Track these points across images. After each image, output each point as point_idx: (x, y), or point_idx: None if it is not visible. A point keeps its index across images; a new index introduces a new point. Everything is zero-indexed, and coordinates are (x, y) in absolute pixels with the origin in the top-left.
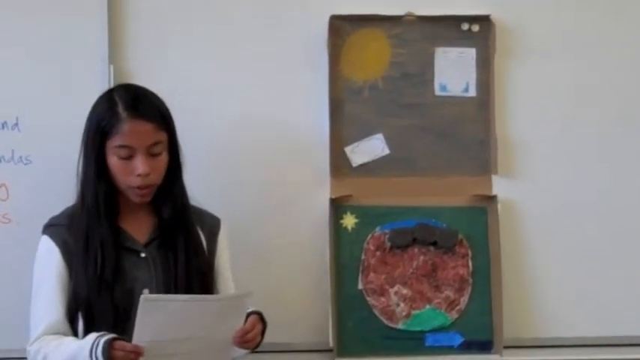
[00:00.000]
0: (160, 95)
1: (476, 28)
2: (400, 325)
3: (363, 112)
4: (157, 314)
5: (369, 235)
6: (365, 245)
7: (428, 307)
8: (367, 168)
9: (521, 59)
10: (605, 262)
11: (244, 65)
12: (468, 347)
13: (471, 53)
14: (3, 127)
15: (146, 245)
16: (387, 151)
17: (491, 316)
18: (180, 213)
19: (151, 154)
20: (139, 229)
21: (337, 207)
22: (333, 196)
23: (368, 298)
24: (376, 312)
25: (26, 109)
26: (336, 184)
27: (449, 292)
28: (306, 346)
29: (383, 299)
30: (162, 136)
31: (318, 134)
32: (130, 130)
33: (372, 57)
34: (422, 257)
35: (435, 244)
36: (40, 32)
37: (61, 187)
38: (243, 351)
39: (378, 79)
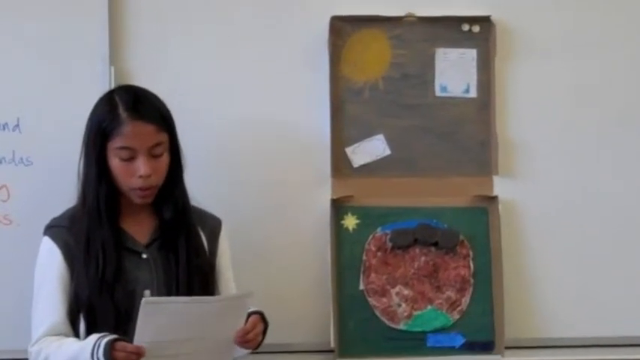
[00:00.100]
0: (161, 96)
1: (476, 28)
2: (401, 326)
3: (363, 113)
4: (158, 316)
5: (370, 236)
6: (366, 246)
7: (429, 307)
8: (368, 168)
9: (521, 60)
10: (606, 263)
11: (245, 66)
12: (469, 348)
13: (471, 54)
14: (4, 129)
15: (147, 246)
16: (387, 152)
17: (492, 317)
18: (181, 214)
19: (152, 156)
20: (140, 230)
21: (338, 207)
22: (334, 197)
23: (369, 299)
24: (377, 313)
25: (27, 111)
26: (337, 184)
27: (450, 293)
28: (308, 346)
29: (384, 300)
30: (164, 137)
31: (318, 135)
32: (131, 132)
33: (373, 58)
34: (423, 258)
35: (436, 244)
36: (41, 33)
37: (61, 188)
38: (245, 351)
39: (378, 80)
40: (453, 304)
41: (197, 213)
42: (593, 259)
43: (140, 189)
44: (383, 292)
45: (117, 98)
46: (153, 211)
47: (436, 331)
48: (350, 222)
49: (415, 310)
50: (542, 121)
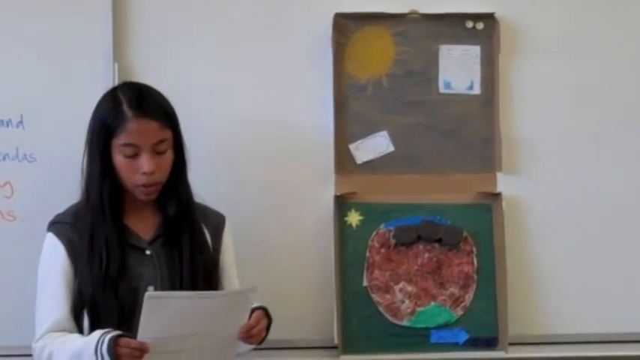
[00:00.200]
0: (165, 93)
1: (480, 25)
2: (405, 322)
3: (367, 110)
4: (162, 311)
5: (374, 232)
6: (369, 242)
7: (433, 304)
8: (372, 165)
9: (525, 57)
10: (610, 259)
11: (249, 63)
12: (473, 344)
13: (475, 51)
14: (7, 125)
15: (151, 243)
16: (391, 149)
17: (496, 313)
18: (184, 210)
19: (157, 152)
20: (143, 226)
21: (342, 204)
22: (338, 194)
23: (373, 295)
24: (381, 309)
25: (30, 107)
26: (341, 181)
27: (454, 289)
28: (311, 342)
29: (388, 296)
30: (167, 134)
31: (322, 132)
32: (135, 129)
33: (377, 55)
34: (427, 254)
35: (439, 241)
36: (45, 30)
37: (65, 184)
38: (249, 346)
39: (382, 77)
40: (456, 301)
41: (201, 209)
42: (597, 255)
43: (144, 186)
44: (386, 289)
45: (121, 95)
46: (156, 208)
47: (440, 327)
48: (353, 218)
49: (419, 306)
50: (545, 118)
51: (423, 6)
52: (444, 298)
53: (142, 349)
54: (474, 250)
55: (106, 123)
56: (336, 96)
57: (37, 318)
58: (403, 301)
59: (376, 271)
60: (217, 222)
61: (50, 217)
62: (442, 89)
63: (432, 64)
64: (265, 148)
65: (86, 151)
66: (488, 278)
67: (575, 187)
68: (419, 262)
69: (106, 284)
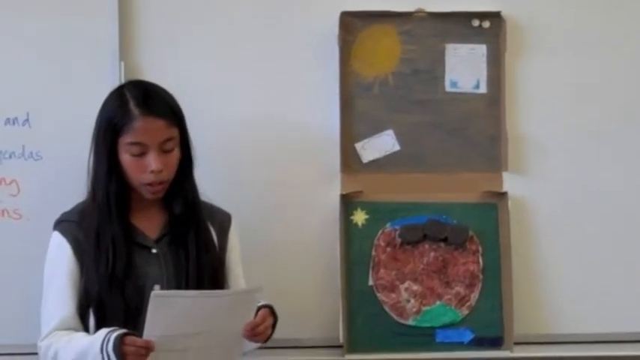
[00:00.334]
0: (171, 91)
1: (486, 24)
2: (410, 322)
3: (373, 109)
4: (168, 310)
5: (380, 231)
6: (375, 241)
7: (438, 303)
8: (378, 164)
9: (531, 56)
10: (616, 259)
11: (255, 62)
12: (478, 343)
13: (481, 50)
14: (14, 123)
15: (157, 241)
16: (397, 148)
17: (501, 312)
18: (191, 209)
19: (163, 151)
20: (149, 225)
21: (348, 203)
22: (344, 192)
23: (378, 294)
24: (386, 308)
25: (37, 105)
26: (347, 180)
27: (459, 289)
28: (316, 341)
29: (393, 295)
30: (174, 133)
31: (328, 130)
32: (142, 127)
33: (383, 53)
34: (432, 253)
35: (445, 240)
36: (51, 28)
37: (71, 182)
38: (254, 345)
39: (388, 76)
40: (462, 300)
41: (207, 208)
42: (603, 255)
43: (151, 184)
44: (392, 288)
45: (127, 94)
46: (163, 206)
47: (445, 326)
48: (359, 217)
49: (424, 305)
50: (552, 117)
51: (430, 4)
52: (449, 297)
53: (148, 348)
54: (480, 249)
55: (113, 121)
56: (342, 94)
57: (43, 316)
58: (409, 301)
59: (382, 270)
60: (223, 220)
61: (56, 216)
62: (448, 88)
63: (438, 62)
64: (271, 147)
65: (92, 150)
66: (494, 277)
67: (582, 187)
68: (424, 262)
69: (112, 283)
